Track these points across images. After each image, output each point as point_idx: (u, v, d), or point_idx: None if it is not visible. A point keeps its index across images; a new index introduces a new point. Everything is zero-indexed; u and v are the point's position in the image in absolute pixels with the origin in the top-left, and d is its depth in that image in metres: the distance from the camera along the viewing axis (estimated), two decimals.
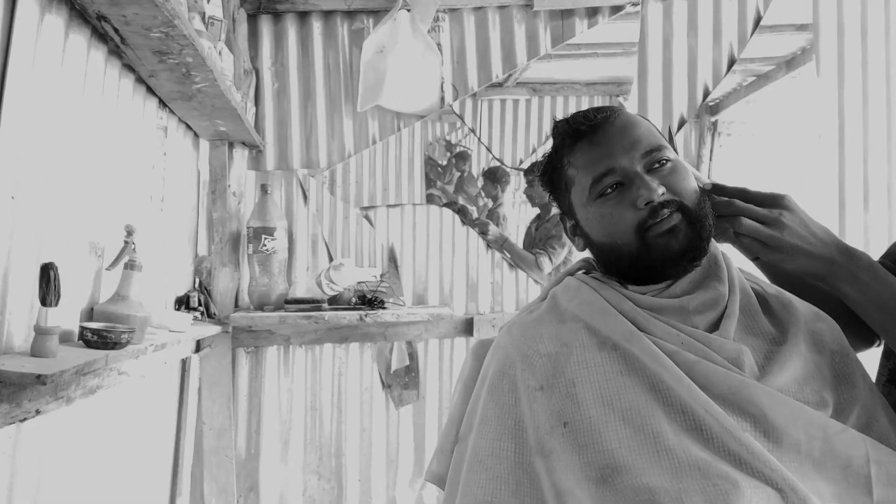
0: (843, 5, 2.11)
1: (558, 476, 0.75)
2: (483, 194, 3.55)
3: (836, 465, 0.72)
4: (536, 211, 3.07)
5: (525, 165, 3.36)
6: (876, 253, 0.99)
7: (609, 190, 0.86)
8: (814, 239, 0.80)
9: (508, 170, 3.45)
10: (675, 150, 0.92)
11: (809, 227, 0.81)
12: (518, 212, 3.55)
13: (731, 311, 0.84)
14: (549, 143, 0.99)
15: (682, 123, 2.38)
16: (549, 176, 0.95)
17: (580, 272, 0.98)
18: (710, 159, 2.91)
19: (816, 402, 0.77)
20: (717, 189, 0.86)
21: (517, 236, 3.37)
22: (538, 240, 2.87)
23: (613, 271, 0.90)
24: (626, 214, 0.84)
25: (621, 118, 0.87)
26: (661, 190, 0.82)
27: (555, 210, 2.81)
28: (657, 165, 0.84)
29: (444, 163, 3.62)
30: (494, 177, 3.48)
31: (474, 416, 0.88)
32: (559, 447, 0.77)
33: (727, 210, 0.83)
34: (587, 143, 0.87)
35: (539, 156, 3.36)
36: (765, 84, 3.12)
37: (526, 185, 3.02)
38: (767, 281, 0.95)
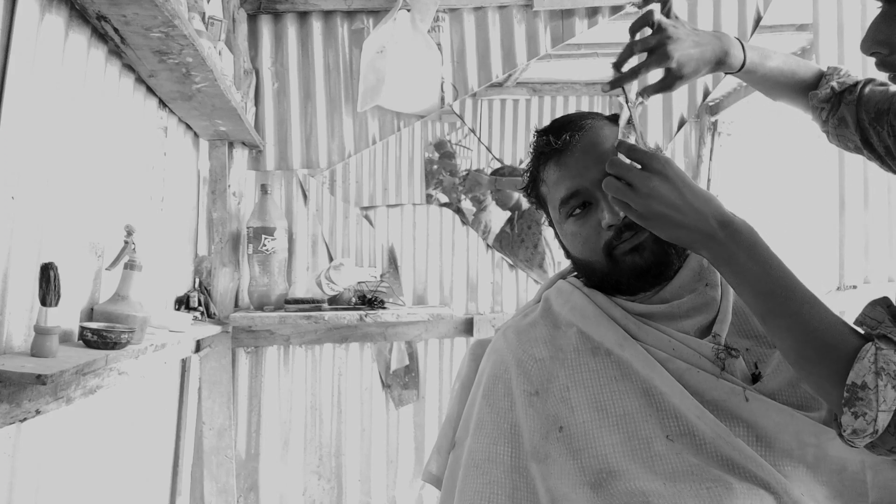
0: (843, 5, 2.10)
1: (553, 481, 0.76)
2: (467, 198, 3.53)
3: (831, 469, 0.72)
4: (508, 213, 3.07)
5: (521, 168, 3.35)
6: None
7: (577, 210, 0.86)
8: (688, 209, 0.72)
9: (486, 172, 3.43)
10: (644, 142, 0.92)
11: (685, 195, 0.72)
12: (504, 214, 3.54)
13: (724, 314, 0.84)
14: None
15: (682, 123, 2.38)
16: (530, 189, 0.96)
17: (572, 275, 0.98)
18: (710, 159, 2.92)
19: (809, 404, 0.78)
20: (619, 146, 0.79)
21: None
22: (515, 236, 2.87)
23: (590, 283, 0.91)
24: (593, 235, 0.86)
25: (587, 137, 0.86)
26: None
27: (525, 205, 2.83)
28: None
29: (435, 167, 3.60)
30: (467, 183, 3.47)
31: (470, 420, 0.88)
32: (554, 452, 0.78)
33: (608, 169, 0.76)
34: (554, 163, 0.89)
35: (523, 156, 3.35)
36: None
37: (493, 190, 3.02)
38: None
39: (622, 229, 0.83)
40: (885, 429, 0.64)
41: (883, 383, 0.63)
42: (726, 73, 1.02)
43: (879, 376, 0.63)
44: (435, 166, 3.54)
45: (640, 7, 0.99)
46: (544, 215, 0.97)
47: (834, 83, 1.03)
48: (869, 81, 1.02)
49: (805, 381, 0.73)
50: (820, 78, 1.06)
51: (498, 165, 3.33)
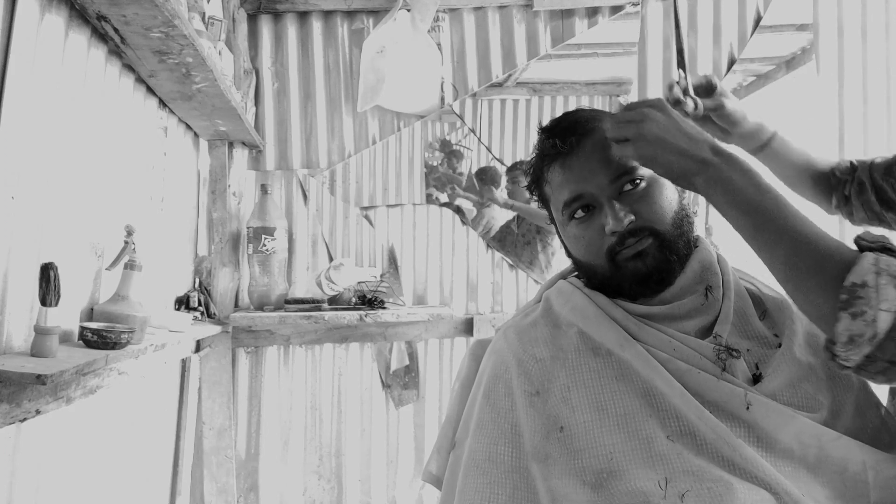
0: (843, 5, 2.10)
1: (554, 481, 0.75)
2: (475, 198, 3.52)
3: (832, 470, 0.72)
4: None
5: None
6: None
7: (581, 212, 0.86)
8: (682, 136, 0.76)
9: (500, 170, 3.43)
10: None
11: (679, 124, 0.77)
12: (508, 212, 3.55)
13: (725, 315, 0.84)
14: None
15: None
16: (533, 186, 0.95)
17: (573, 275, 0.98)
18: None
19: (810, 405, 0.77)
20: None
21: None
22: (520, 236, 2.87)
23: (591, 285, 0.91)
24: (596, 239, 0.85)
25: (593, 140, 0.85)
26: (629, 219, 0.82)
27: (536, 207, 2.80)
28: (629, 187, 0.83)
29: (438, 163, 3.60)
30: (484, 177, 3.46)
31: (471, 420, 0.88)
32: (555, 452, 0.77)
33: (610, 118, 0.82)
34: (559, 165, 0.88)
35: (523, 156, 3.34)
36: (765, 84, 3.12)
37: (508, 183, 3.00)
38: (764, 282, 0.95)
39: (625, 235, 0.82)
40: (885, 334, 0.61)
41: (884, 282, 0.61)
42: (762, 146, 1.09)
43: (880, 276, 0.62)
44: (441, 168, 3.54)
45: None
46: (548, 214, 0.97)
47: (852, 159, 1.12)
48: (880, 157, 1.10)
49: (796, 295, 0.70)
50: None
51: (506, 163, 3.30)
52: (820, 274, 0.65)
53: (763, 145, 1.08)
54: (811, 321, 0.71)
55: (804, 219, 0.69)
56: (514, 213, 3.02)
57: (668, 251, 0.83)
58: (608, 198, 0.83)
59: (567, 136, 0.86)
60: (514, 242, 2.89)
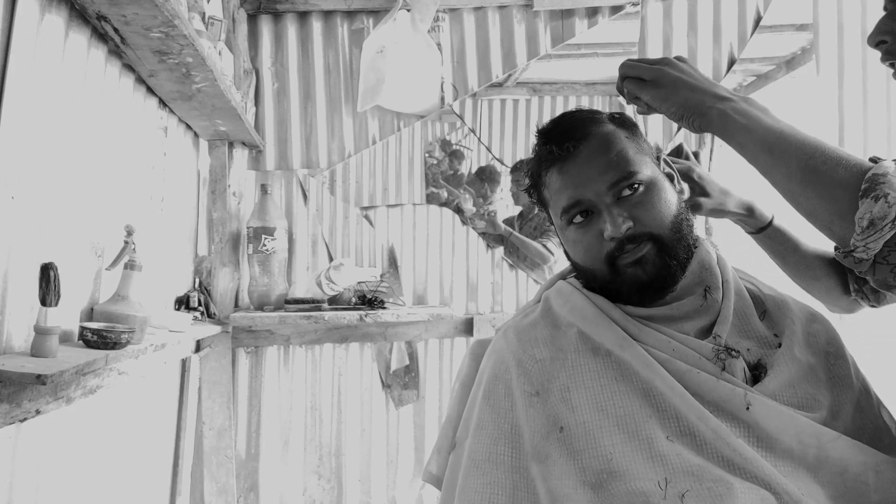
0: (843, 5, 2.10)
1: (554, 481, 0.75)
2: (473, 192, 3.52)
3: (833, 471, 0.72)
4: (520, 209, 3.06)
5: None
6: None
7: (579, 217, 0.85)
8: (700, 77, 0.80)
9: (500, 169, 3.43)
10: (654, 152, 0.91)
11: (694, 73, 0.81)
12: (510, 212, 3.55)
13: (725, 315, 0.84)
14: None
15: None
16: (532, 190, 0.95)
17: (572, 276, 0.98)
18: (710, 159, 2.91)
19: (810, 404, 0.77)
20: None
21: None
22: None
23: (591, 288, 0.91)
24: (595, 244, 0.84)
25: (590, 145, 0.85)
26: (627, 225, 0.81)
27: (537, 209, 2.79)
28: (628, 192, 0.83)
29: (439, 160, 3.61)
30: (483, 175, 3.45)
31: (470, 421, 0.88)
32: (555, 452, 0.77)
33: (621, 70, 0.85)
34: (557, 170, 0.87)
35: (523, 156, 3.33)
36: (765, 84, 3.12)
37: (511, 183, 3.00)
38: (764, 282, 0.95)
39: (624, 241, 0.82)
40: None
41: None
42: (759, 230, 1.01)
43: None
44: (444, 166, 3.53)
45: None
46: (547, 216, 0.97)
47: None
48: None
49: (811, 196, 0.71)
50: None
51: (503, 162, 3.30)
52: (840, 168, 0.68)
53: (765, 224, 1.00)
54: (822, 227, 0.71)
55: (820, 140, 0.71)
56: (518, 211, 3.02)
57: (668, 256, 0.82)
58: (606, 204, 0.82)
59: (564, 141, 0.85)
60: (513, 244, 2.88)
